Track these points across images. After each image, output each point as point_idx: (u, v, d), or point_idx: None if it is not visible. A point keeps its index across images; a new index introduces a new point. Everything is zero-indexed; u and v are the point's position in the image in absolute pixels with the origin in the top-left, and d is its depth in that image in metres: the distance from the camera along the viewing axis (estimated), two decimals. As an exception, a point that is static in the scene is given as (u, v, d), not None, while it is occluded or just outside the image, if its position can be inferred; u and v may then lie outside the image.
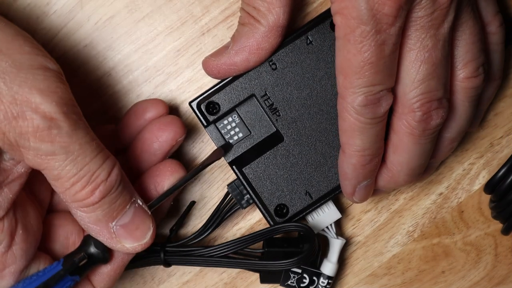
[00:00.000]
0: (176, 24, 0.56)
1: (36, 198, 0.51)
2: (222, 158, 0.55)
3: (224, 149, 0.54)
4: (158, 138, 0.53)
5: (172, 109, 0.57)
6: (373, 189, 0.53)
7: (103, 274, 0.52)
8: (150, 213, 0.50)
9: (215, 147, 0.54)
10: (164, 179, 0.53)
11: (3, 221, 0.47)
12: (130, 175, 0.53)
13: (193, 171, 0.53)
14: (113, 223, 0.49)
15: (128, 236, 0.49)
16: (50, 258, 0.51)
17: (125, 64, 0.57)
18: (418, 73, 0.48)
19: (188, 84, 0.57)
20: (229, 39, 0.55)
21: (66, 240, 0.52)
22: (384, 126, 0.49)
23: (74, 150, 0.45)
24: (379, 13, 0.45)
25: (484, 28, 0.52)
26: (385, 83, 0.47)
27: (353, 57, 0.46)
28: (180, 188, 0.53)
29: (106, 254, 0.50)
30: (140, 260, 0.55)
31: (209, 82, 0.57)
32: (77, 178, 0.46)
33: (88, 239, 0.50)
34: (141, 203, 0.50)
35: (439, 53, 0.47)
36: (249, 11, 0.51)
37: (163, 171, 0.53)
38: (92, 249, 0.50)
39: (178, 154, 0.57)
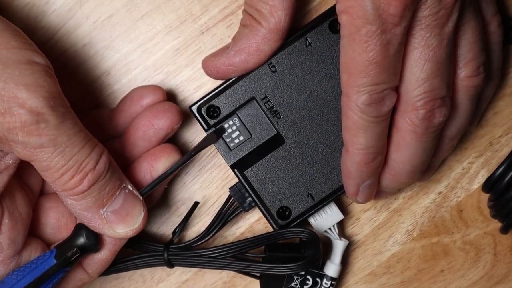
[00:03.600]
0: (175, 23, 0.56)
1: (26, 184, 0.52)
2: (223, 161, 0.55)
3: (216, 134, 0.54)
4: (154, 125, 0.53)
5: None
6: (376, 189, 0.53)
7: (95, 259, 0.52)
8: (141, 198, 0.51)
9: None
10: (160, 163, 0.53)
11: None
12: (125, 160, 0.53)
13: (186, 156, 0.53)
14: (104, 210, 0.49)
15: (119, 221, 0.50)
16: (41, 242, 0.52)
17: (124, 63, 0.56)
18: (422, 72, 0.48)
19: (187, 83, 0.57)
20: (228, 38, 0.55)
21: (57, 222, 0.53)
22: (388, 124, 0.49)
23: (62, 142, 0.46)
24: (385, 13, 0.45)
25: (483, 28, 0.52)
26: (390, 82, 0.47)
27: (358, 56, 0.46)
28: (174, 173, 0.53)
29: (97, 245, 0.51)
30: (143, 260, 0.56)
31: (208, 81, 0.56)
32: (65, 168, 0.47)
33: (79, 229, 0.51)
34: (131, 189, 0.51)
35: (443, 52, 0.47)
36: (251, 12, 0.51)
37: (159, 155, 0.53)
38: (83, 240, 0.50)
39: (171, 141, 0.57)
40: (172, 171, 0.53)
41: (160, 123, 0.53)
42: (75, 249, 0.50)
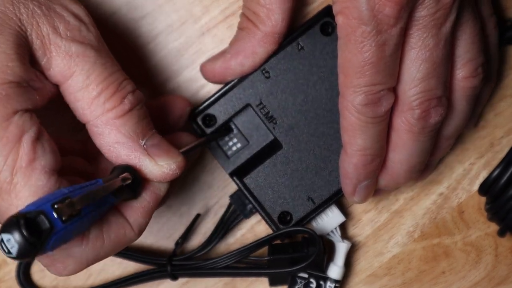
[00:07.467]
0: (176, 23, 0.56)
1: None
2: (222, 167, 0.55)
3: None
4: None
5: (172, 109, 0.57)
6: (374, 189, 0.53)
7: (136, 207, 0.47)
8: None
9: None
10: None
11: (33, 113, 0.43)
12: None
13: (201, 140, 0.52)
14: (143, 141, 0.46)
15: (161, 153, 0.47)
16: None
17: (125, 64, 0.57)
18: (418, 72, 0.48)
19: (189, 84, 0.57)
20: (229, 39, 0.55)
21: None
22: (386, 126, 0.49)
23: (102, 54, 0.45)
24: (380, 14, 0.45)
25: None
26: (386, 83, 0.47)
27: (354, 57, 0.46)
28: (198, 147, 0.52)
29: (140, 185, 0.46)
30: (147, 276, 0.56)
31: (209, 81, 0.57)
32: (106, 83, 0.45)
33: (118, 169, 0.46)
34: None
35: (440, 53, 0.47)
36: (249, 15, 0.52)
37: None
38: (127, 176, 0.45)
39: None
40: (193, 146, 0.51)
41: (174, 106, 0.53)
42: (126, 174, 0.45)
